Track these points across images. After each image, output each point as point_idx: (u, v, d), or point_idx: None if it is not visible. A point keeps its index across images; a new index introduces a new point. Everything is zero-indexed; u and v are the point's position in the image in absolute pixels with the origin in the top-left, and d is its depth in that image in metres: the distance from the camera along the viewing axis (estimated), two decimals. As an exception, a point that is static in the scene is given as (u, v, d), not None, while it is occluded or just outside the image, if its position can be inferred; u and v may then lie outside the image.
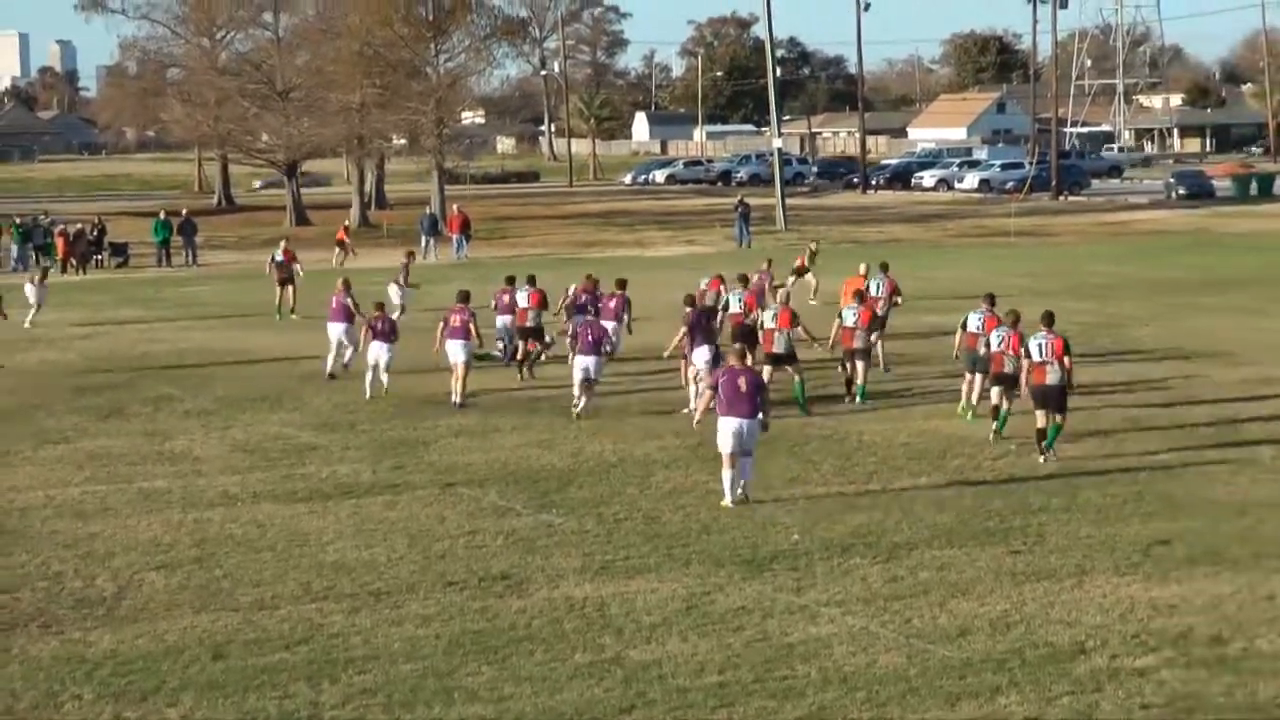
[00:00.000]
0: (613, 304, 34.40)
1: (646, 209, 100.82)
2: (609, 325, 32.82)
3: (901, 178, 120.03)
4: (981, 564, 19.91)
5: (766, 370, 29.16)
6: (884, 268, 36.54)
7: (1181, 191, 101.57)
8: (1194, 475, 24.55)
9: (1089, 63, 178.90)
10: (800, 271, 46.65)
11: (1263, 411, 29.50)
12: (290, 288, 47.04)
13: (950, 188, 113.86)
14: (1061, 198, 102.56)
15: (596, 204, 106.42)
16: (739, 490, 23.24)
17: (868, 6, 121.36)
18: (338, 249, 63.48)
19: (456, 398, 31.40)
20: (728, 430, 23.10)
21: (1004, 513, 22.44)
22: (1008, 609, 18.10)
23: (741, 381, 23.27)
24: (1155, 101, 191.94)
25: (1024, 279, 51.62)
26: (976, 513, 22.47)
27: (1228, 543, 20.70)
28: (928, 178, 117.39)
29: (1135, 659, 16.41)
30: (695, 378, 29.98)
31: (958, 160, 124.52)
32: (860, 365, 30.84)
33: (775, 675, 16.18)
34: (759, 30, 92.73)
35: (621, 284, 35.13)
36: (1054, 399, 25.63)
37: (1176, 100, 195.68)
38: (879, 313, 33.39)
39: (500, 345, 35.72)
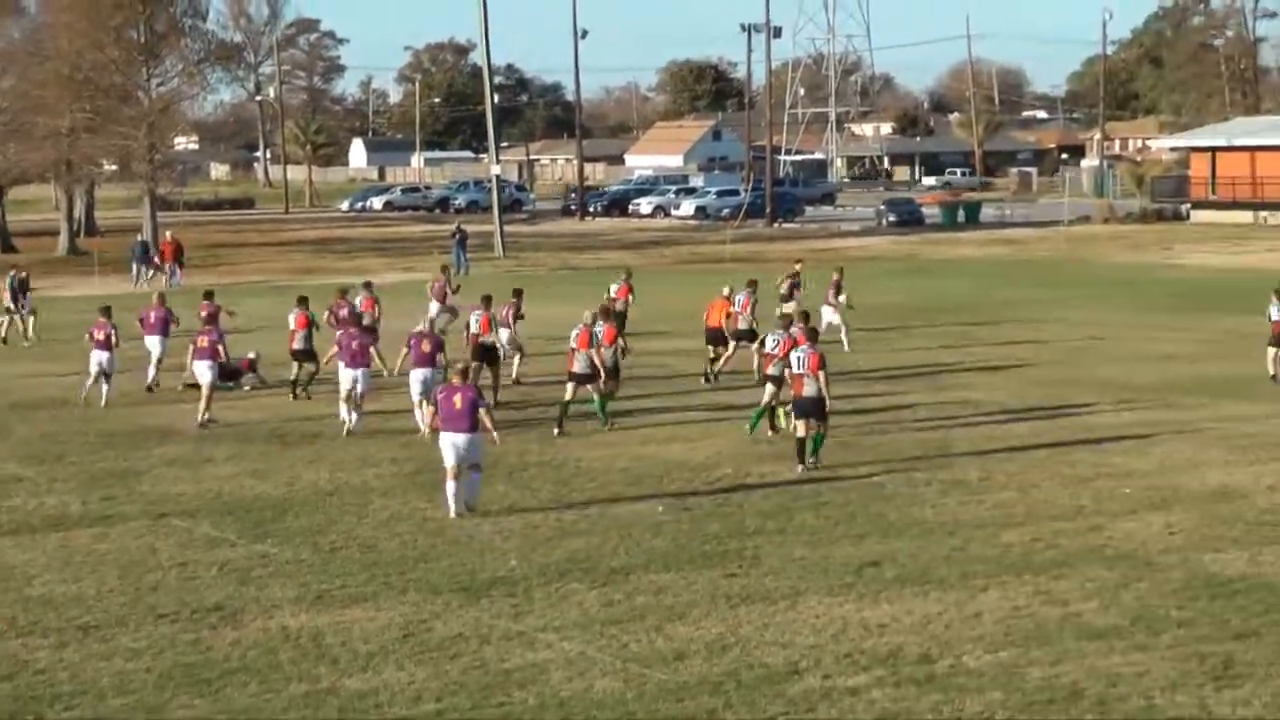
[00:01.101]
0: (505, 311, 36.35)
1: (364, 236, 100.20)
2: (504, 332, 35.42)
3: (619, 205, 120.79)
4: (698, 587, 20.06)
5: (570, 388, 30.61)
6: (751, 285, 38.10)
7: (892, 219, 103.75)
8: (904, 497, 25.02)
9: (802, 91, 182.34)
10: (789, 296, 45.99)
11: (970, 434, 30.18)
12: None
13: (667, 215, 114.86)
14: (776, 224, 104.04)
15: (313, 231, 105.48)
16: (463, 503, 23.84)
17: (585, 34, 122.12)
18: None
19: (200, 416, 31.56)
20: (447, 445, 23.85)
21: (720, 536, 22.65)
22: (724, 631, 18.25)
23: (458, 399, 23.89)
24: (866, 130, 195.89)
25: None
26: (693, 536, 22.65)
27: (936, 563, 21.13)
28: (645, 205, 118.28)
29: (847, 678, 16.65)
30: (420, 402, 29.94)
31: (674, 187, 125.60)
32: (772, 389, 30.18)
33: (493, 702, 16.13)
34: (477, 57, 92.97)
35: (517, 293, 37.65)
36: (814, 410, 26.84)
37: (887, 128, 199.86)
38: (741, 327, 36.74)
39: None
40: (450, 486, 23.88)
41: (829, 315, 41.90)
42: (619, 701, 16.11)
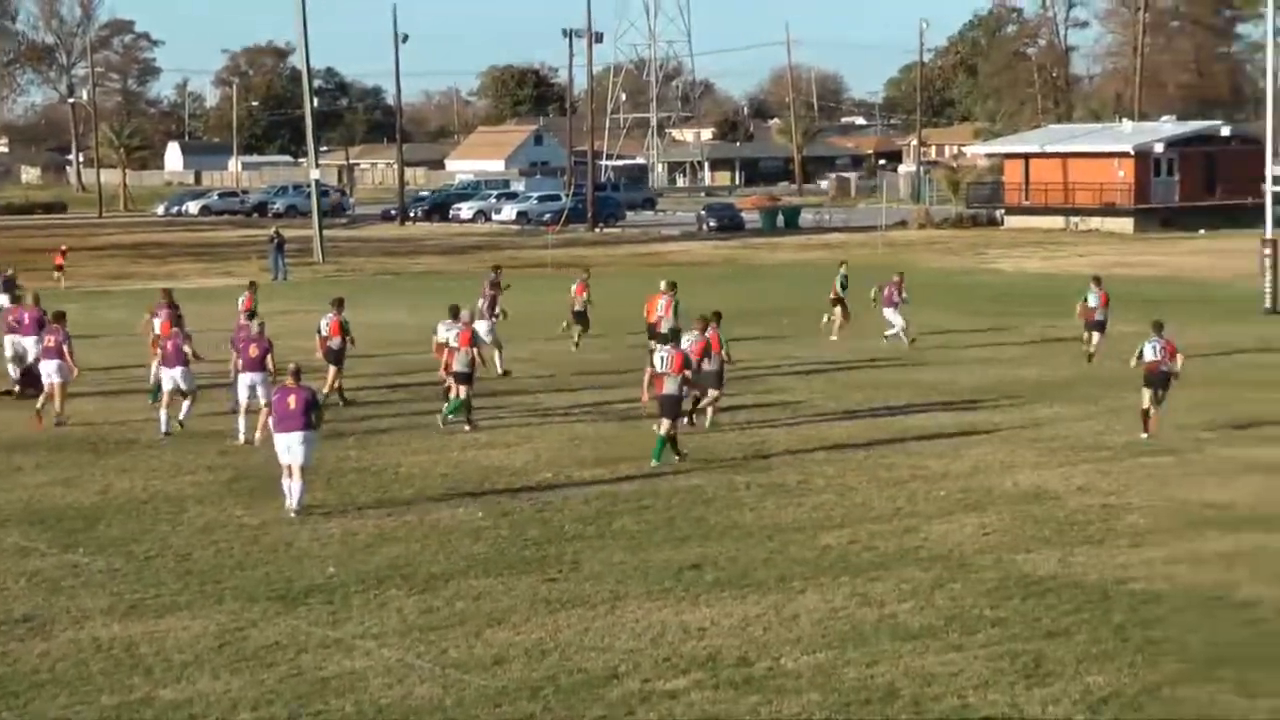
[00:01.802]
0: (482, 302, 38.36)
1: (180, 240, 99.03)
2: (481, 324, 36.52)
3: (440, 209, 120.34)
4: (518, 593, 20.03)
5: (462, 388, 31.04)
6: (672, 286, 38.98)
7: (712, 224, 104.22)
8: (724, 500, 25.14)
9: (624, 96, 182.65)
10: (837, 301, 46.36)
11: (789, 437, 30.39)
12: None
13: (489, 219, 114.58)
14: (598, 229, 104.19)
15: (128, 235, 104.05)
16: (293, 503, 24.26)
17: (405, 38, 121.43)
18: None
19: (56, 417, 31.46)
20: (281, 445, 24.21)
21: (540, 541, 22.63)
22: (543, 637, 18.24)
23: (292, 399, 24.24)
24: (688, 135, 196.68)
25: (561, 308, 52.13)
26: (513, 542, 22.62)
27: (755, 565, 21.25)
28: (466, 209, 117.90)
29: (666, 682, 16.70)
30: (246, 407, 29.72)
31: (496, 192, 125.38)
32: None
33: (310, 710, 16.00)
34: (296, 60, 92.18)
35: (494, 284, 39.48)
36: (671, 407, 27.70)
37: (708, 134, 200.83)
38: (664, 330, 35.95)
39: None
40: (287, 482, 24.29)
41: (891, 316, 43.62)
42: (437, 708, 16.05)
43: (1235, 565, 20.97)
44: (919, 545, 22.28)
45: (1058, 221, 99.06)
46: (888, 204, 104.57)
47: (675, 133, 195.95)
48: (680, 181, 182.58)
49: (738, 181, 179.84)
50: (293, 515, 24.03)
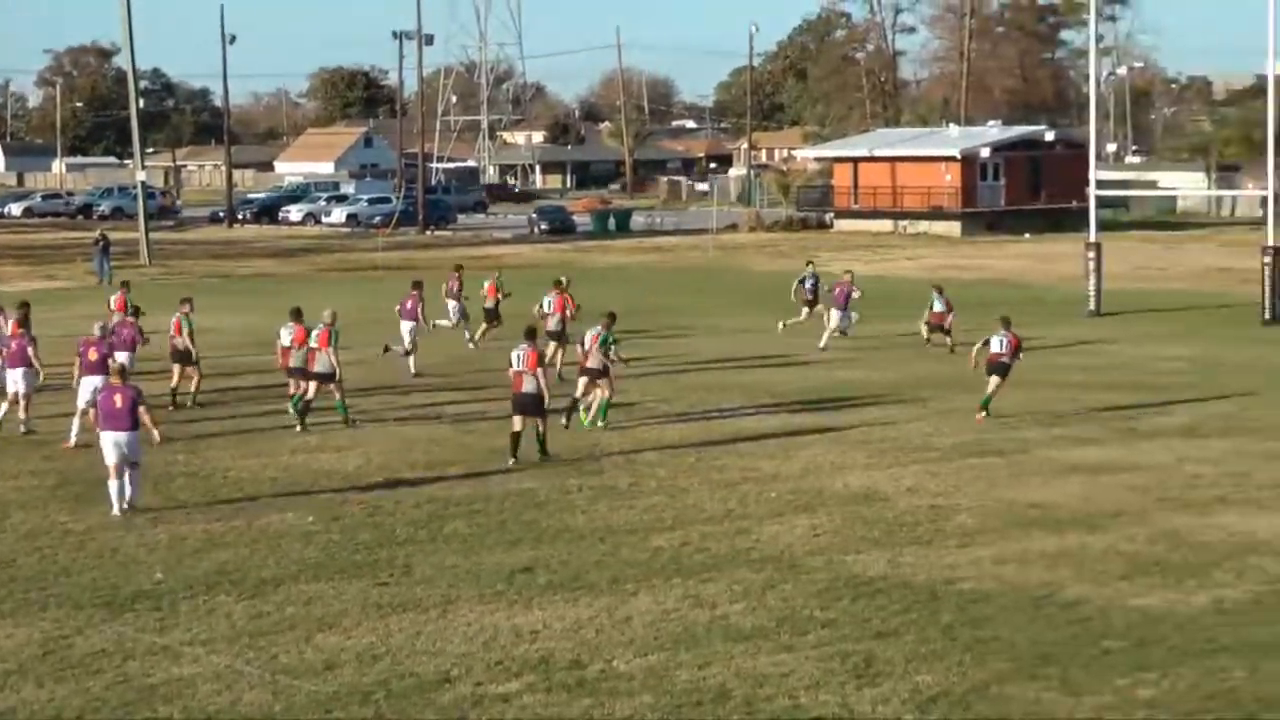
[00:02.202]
0: (409, 304, 39.54)
1: (2, 243, 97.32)
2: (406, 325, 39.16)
3: (269, 212, 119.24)
4: (348, 597, 19.90)
5: (312, 386, 31.34)
6: (558, 284, 39.85)
7: (544, 227, 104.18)
8: (556, 503, 25.13)
9: (455, 99, 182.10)
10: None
11: (621, 439, 30.42)
12: None
13: (318, 222, 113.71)
14: (429, 232, 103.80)
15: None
16: (125, 502, 24.14)
17: (233, 39, 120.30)
18: None
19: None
20: (108, 443, 24.06)
21: (371, 545, 22.50)
22: (374, 641, 18.13)
23: (118, 398, 24.19)
24: (519, 138, 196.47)
25: (391, 312, 51.82)
26: (344, 546, 22.47)
27: (587, 568, 21.27)
28: (295, 212, 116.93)
29: (499, 685, 16.66)
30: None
31: (325, 194, 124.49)
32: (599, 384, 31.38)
33: (136, 718, 15.80)
34: (121, 60, 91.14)
35: (416, 284, 40.43)
36: (531, 406, 27.93)
37: (539, 137, 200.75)
38: (551, 328, 38.22)
39: None
40: (114, 485, 24.10)
41: (836, 317, 44.42)
42: (267, 714, 15.91)
43: (1060, 565, 21.28)
44: (750, 547, 22.40)
45: (886, 225, 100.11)
46: (718, 207, 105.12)
47: (506, 135, 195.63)
48: (512, 184, 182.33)
49: (569, 184, 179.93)
50: (122, 514, 23.86)
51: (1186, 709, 15.96)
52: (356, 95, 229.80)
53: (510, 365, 28.41)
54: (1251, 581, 20.42)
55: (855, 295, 44.66)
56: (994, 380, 32.23)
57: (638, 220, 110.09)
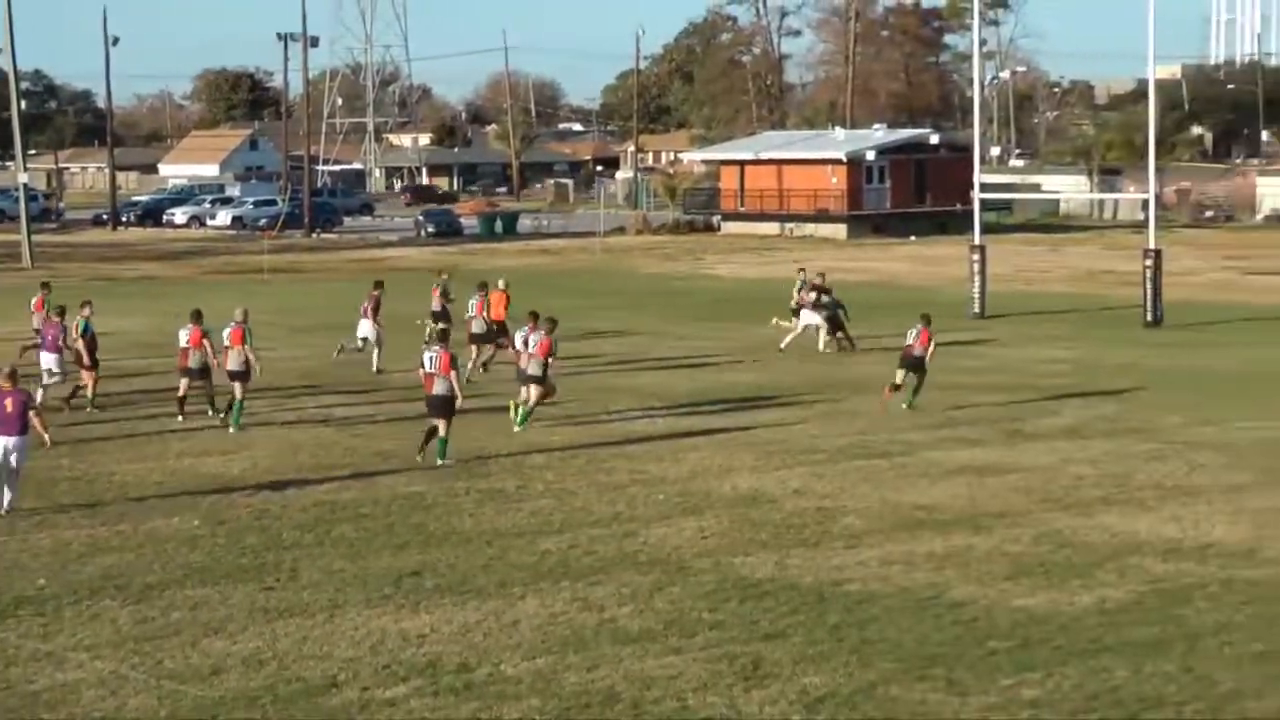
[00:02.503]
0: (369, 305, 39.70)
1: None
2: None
3: (153, 214, 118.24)
4: (234, 602, 19.77)
5: (238, 387, 31.38)
6: (483, 286, 39.66)
7: (431, 230, 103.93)
8: (443, 506, 25.08)
9: (340, 101, 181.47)
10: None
11: (508, 442, 30.38)
12: None
13: (203, 225, 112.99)
14: (315, 235, 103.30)
15: None
16: (4, 505, 24.15)
17: (116, 40, 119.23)
18: None
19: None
20: None
21: (258, 549, 22.37)
22: (261, 646, 18.02)
23: (9, 402, 24.04)
24: (405, 140, 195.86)
25: (277, 315, 51.62)
26: (230, 550, 22.32)
27: (475, 571, 21.23)
28: (180, 215, 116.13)
29: (386, 689, 16.60)
30: None
31: (210, 197, 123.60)
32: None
33: (20, 726, 15.64)
34: (2, 62, 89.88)
35: (378, 284, 40.84)
36: (440, 408, 28.14)
37: (425, 139, 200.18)
38: (475, 330, 38.62)
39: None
40: None
41: (808, 318, 43.93)
42: (152, 719, 15.79)
43: (946, 566, 21.45)
44: (638, 549, 22.43)
45: (773, 228, 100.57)
46: (605, 210, 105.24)
47: (393, 138, 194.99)
48: (398, 187, 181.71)
49: (456, 187, 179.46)
50: (2, 514, 23.80)
51: (1070, 708, 16.12)
52: (241, 97, 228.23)
53: (422, 367, 28.44)
54: (1133, 581, 20.66)
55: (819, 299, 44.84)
56: (903, 373, 33.58)
57: (525, 223, 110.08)
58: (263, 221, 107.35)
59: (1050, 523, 23.85)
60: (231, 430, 31.32)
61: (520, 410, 31.63)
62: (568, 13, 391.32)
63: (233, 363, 31.49)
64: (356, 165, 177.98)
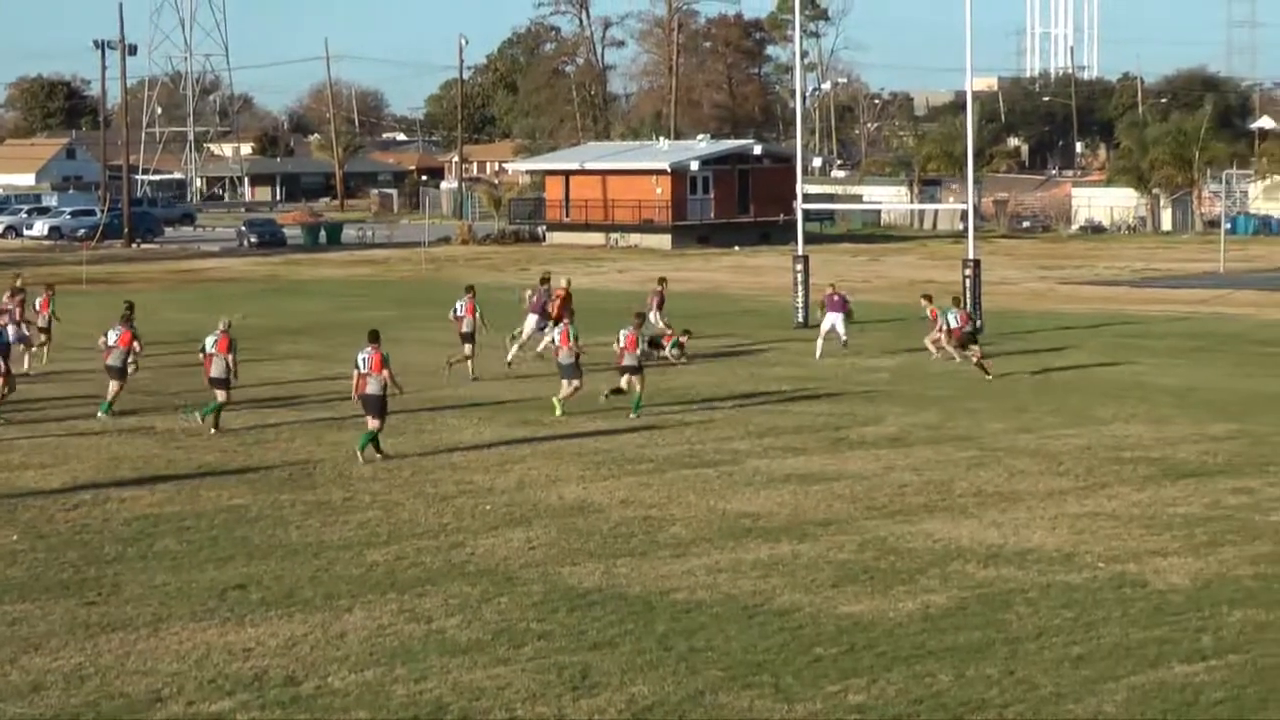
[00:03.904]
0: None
1: None
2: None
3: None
4: (55, 617, 19.47)
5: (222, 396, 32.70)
6: (470, 289, 42.58)
7: (253, 240, 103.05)
8: (269, 519, 24.86)
9: (160, 110, 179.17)
10: None
11: (334, 455, 30.17)
12: None
13: (20, 235, 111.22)
14: (135, 245, 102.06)
15: None
16: None
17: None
18: None
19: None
20: None
21: (78, 564, 22.05)
22: (83, 661, 17.77)
23: None
24: (226, 150, 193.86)
25: (96, 326, 50.79)
26: (50, 565, 21.98)
27: (301, 584, 21.07)
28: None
29: (211, 704, 16.44)
30: None
31: (27, 207, 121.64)
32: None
33: None
34: None
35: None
36: (374, 406, 29.37)
37: (247, 149, 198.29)
38: (465, 330, 40.91)
39: None
40: None
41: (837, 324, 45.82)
42: (-29, 740, 15.51)
43: (772, 574, 21.59)
44: (466, 560, 22.39)
45: (598, 238, 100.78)
46: (431, 220, 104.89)
47: (214, 147, 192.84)
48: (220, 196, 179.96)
49: (279, 197, 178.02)
50: None
51: (895, 713, 16.30)
52: (58, 106, 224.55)
53: (356, 368, 29.63)
54: (956, 587, 20.93)
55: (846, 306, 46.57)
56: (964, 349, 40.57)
57: (349, 233, 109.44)
58: (81, 231, 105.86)
59: (874, 530, 24.10)
60: (213, 433, 32.17)
61: (634, 399, 34.70)
62: (391, 22, 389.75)
63: (216, 370, 32.36)
64: (177, 175, 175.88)
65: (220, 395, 32.58)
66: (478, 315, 41.13)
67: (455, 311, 41.66)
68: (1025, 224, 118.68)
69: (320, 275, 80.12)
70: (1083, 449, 30.66)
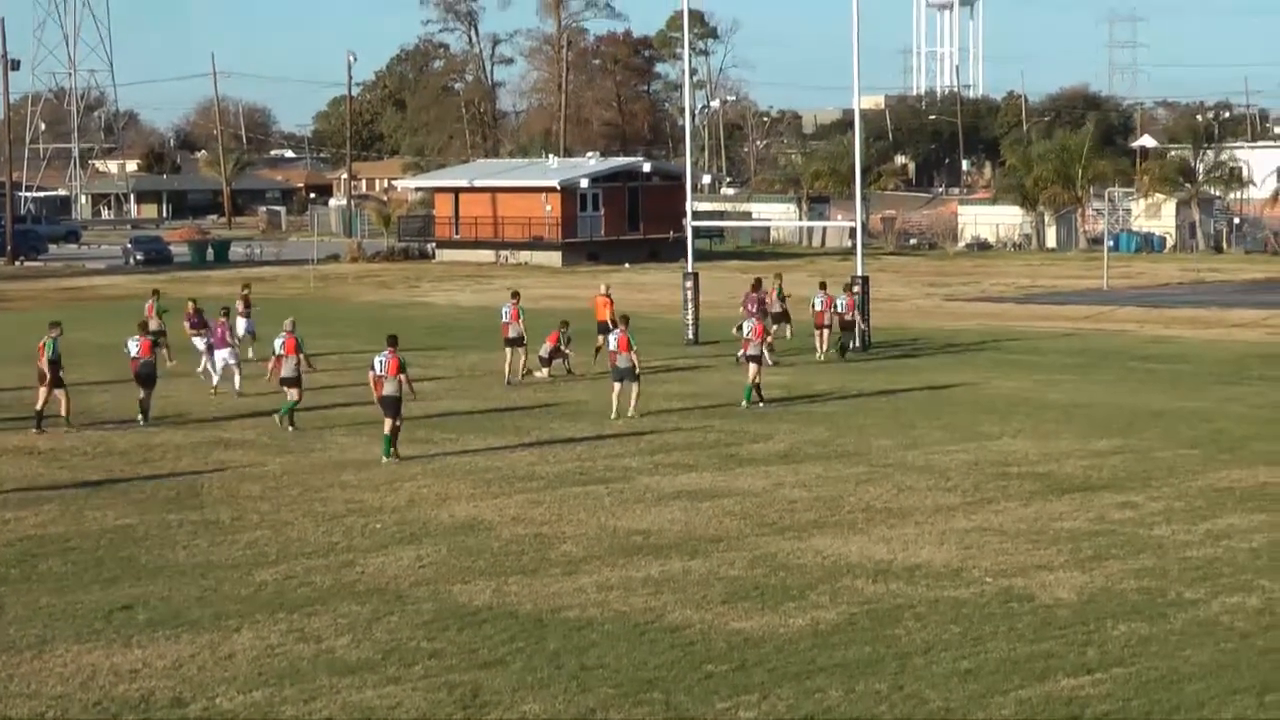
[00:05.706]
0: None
1: None
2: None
3: None
4: (-63, 641, 19.23)
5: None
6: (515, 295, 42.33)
7: (140, 257, 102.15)
8: (156, 539, 24.66)
9: (43, 126, 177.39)
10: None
11: (223, 475, 29.98)
12: None
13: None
14: (18, 263, 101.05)
15: None
16: None
17: None
18: None
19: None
20: None
21: (-39, 586, 21.78)
22: (-34, 685, 17.56)
23: None
24: (112, 167, 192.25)
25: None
26: (-68, 588, 21.70)
27: (189, 604, 20.91)
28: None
29: (98, 727, 16.28)
30: None
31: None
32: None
33: None
34: None
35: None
36: (391, 406, 31.04)
37: (133, 166, 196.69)
38: (511, 335, 42.44)
39: None
40: None
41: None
42: None
43: (663, 591, 21.62)
44: (356, 579, 22.28)
45: (488, 255, 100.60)
46: (319, 238, 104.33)
47: (99, 164, 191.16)
48: (105, 214, 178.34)
49: (166, 214, 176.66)
50: None
51: (786, 728, 16.35)
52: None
53: (372, 370, 31.18)
54: (845, 603, 21.03)
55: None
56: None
57: (237, 251, 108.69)
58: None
59: (765, 546, 24.18)
60: (290, 430, 34.36)
61: (745, 389, 37.99)
62: (278, 38, 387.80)
63: (287, 370, 34.44)
64: (61, 191, 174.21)
65: (292, 394, 34.57)
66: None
67: (503, 317, 43.21)
68: (913, 241, 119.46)
69: (208, 293, 79.40)
70: (970, 465, 30.89)
